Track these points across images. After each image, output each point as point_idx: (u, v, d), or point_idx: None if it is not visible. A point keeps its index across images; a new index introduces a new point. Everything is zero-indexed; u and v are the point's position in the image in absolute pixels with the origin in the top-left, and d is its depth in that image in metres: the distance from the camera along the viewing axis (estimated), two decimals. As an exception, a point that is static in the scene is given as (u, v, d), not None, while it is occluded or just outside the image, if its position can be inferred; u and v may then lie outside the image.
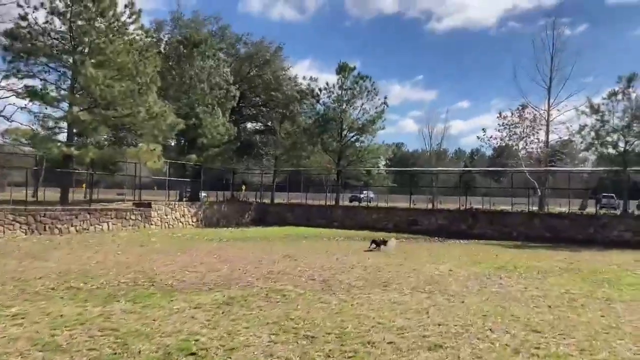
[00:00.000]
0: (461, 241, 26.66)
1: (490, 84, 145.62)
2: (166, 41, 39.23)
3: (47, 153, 27.43)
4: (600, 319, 8.30)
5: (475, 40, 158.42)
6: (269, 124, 43.40)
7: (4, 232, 20.85)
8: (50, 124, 27.42)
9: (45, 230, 22.42)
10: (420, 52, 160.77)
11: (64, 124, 28.25)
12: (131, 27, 28.97)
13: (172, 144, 39.26)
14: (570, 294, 10.67)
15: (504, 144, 37.24)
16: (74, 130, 28.44)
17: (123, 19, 28.55)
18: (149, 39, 31.61)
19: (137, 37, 29.27)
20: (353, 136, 38.58)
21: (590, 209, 36.63)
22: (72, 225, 23.67)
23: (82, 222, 24.20)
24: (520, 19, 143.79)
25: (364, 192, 54.04)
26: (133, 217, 27.02)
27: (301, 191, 41.15)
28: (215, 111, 34.00)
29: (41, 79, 27.56)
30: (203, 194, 44.73)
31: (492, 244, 25.04)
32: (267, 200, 40.22)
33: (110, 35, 27.56)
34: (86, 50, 27.40)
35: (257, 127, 45.60)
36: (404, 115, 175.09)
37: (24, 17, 26.64)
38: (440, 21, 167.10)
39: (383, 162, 43.73)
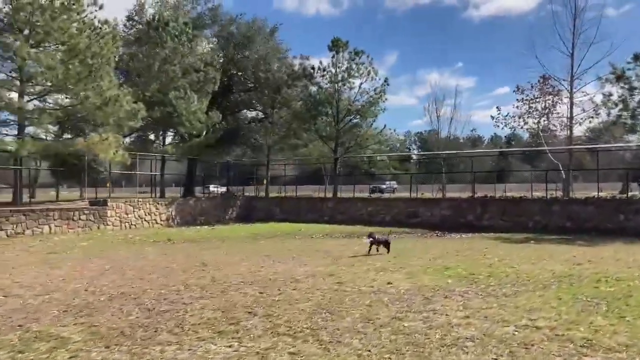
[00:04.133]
0: (464, 235, 22.54)
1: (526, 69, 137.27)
2: (142, 24, 35.86)
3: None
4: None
5: (514, 26, 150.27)
6: (265, 110, 39.57)
7: None
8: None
9: (-37, 236, 19.40)
10: (458, 40, 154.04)
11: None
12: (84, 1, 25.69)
13: (153, 136, 36.20)
14: (533, 329, 6.56)
15: (523, 122, 32.30)
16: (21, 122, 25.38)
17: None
18: (108, 23, 28.05)
19: (91, 15, 26.03)
20: (350, 120, 34.49)
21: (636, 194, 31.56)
22: (1, 230, 20.58)
23: (15, 226, 21.06)
24: (561, 2, 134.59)
25: (387, 182, 49.90)
26: (83, 217, 23.80)
27: (295, 184, 37.31)
28: (189, 96, 30.45)
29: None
30: (218, 188, 41.42)
31: (497, 238, 20.82)
32: (262, 194, 36.61)
33: (57, 13, 24.29)
34: (27, 31, 24.22)
35: (254, 115, 41.75)
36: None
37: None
38: (478, 8, 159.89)
39: (415, 150, 39.68)
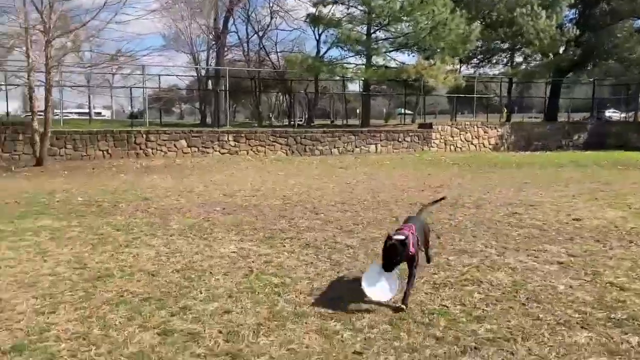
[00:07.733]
0: None
1: None
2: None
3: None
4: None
5: None
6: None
7: (265, 152, 22.82)
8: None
9: (305, 151, 23.46)
10: None
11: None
12: None
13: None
14: None
15: None
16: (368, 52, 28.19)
17: None
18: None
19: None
20: None
21: None
22: (334, 147, 24.02)
23: (346, 144, 24.23)
24: None
25: None
26: (408, 139, 25.44)
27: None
28: (537, 12, 27.98)
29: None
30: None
31: None
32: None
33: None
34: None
35: (628, 26, 34.88)
36: None
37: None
38: None
39: None
